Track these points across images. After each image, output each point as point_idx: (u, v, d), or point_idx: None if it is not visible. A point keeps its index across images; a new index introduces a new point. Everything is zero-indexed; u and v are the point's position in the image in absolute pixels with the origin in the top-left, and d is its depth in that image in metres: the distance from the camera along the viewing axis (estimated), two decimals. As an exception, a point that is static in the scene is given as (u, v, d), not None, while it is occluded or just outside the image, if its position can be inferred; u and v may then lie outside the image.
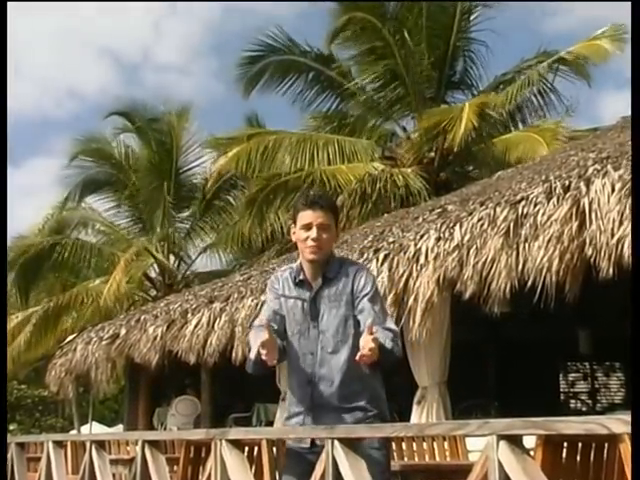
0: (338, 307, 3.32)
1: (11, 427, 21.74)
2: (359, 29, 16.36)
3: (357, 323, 3.31)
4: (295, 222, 3.42)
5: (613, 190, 5.65)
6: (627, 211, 5.31)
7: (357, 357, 3.07)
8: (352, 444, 3.06)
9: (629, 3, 3.62)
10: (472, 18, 16.64)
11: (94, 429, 15.06)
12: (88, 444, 5.83)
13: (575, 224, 5.81)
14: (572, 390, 14.35)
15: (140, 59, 55.56)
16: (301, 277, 3.40)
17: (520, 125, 16.68)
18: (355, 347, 3.23)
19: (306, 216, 3.36)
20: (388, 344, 3.15)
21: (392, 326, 3.31)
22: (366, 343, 3.03)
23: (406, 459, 6.45)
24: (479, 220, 6.76)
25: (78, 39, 54.66)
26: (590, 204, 5.77)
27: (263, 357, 3.15)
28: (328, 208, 3.41)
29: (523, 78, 16.28)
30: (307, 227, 3.35)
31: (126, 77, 54.01)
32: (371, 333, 3.05)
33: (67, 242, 19.27)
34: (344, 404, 3.27)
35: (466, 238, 6.70)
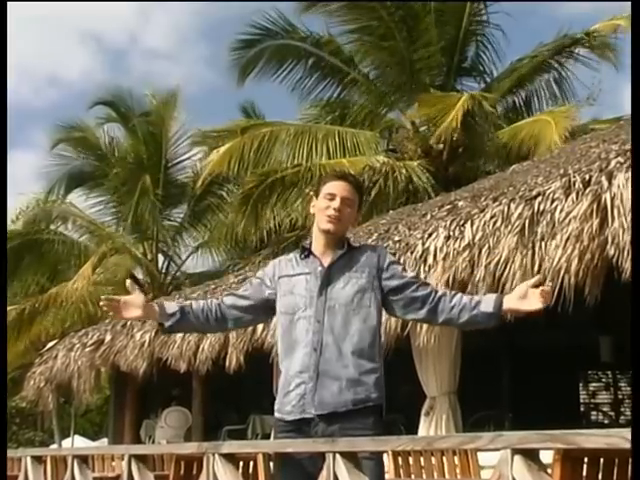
0: (359, 277, 3.38)
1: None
2: (347, 8, 16.39)
3: (377, 297, 3.38)
4: (317, 194, 3.52)
5: (637, 185, 5.65)
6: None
7: (533, 293, 3.31)
8: (355, 458, 3.06)
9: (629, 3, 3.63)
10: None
11: (76, 443, 15.05)
12: (70, 459, 5.83)
13: (596, 221, 5.81)
14: (593, 401, 14.35)
15: (126, 44, 55.56)
16: (308, 247, 3.48)
17: (535, 114, 16.67)
18: (367, 321, 3.33)
19: (333, 186, 3.48)
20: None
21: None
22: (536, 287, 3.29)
23: (413, 476, 6.44)
24: (492, 217, 6.76)
25: (59, 23, 54.65)
26: (612, 200, 5.76)
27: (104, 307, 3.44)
28: (356, 186, 3.55)
29: (540, 63, 16.25)
30: (331, 197, 3.44)
31: (111, 63, 54.00)
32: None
33: (48, 238, 19.24)
34: (348, 374, 3.29)
35: (478, 237, 6.70)
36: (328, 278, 3.38)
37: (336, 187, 3.46)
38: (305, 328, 3.35)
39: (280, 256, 3.67)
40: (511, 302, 3.33)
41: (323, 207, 3.44)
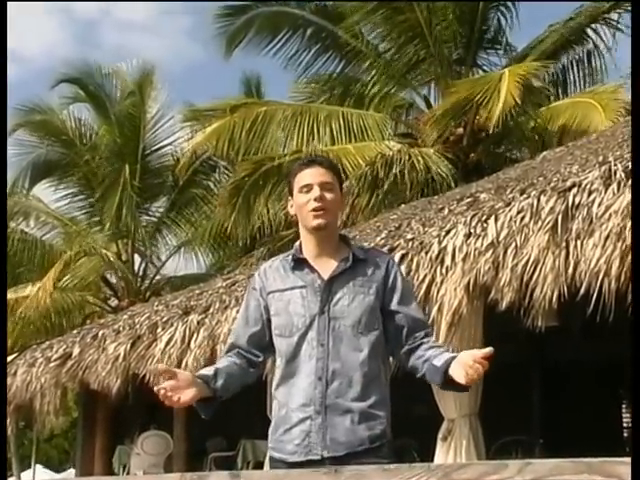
0: (366, 294, 3.34)
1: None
2: None
3: (383, 319, 3.37)
4: (292, 191, 3.46)
5: (687, 174, 5.65)
6: None
7: (463, 378, 3.11)
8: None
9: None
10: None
11: (38, 475, 15.07)
12: (32, 491, 5.84)
13: (640, 217, 5.81)
14: (637, 424, 14.33)
15: (97, 14, 55.68)
16: (300, 256, 3.40)
17: (570, 91, 16.66)
18: (376, 346, 3.31)
19: (304, 176, 3.42)
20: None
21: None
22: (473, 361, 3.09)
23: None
24: (519, 212, 6.76)
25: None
26: (659, 191, 5.76)
27: (160, 394, 3.29)
28: (329, 167, 3.50)
29: (574, 31, 16.21)
30: (307, 188, 3.39)
31: (79, 36, 54.11)
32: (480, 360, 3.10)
33: (7, 236, 19.24)
34: (360, 407, 3.28)
35: (503, 234, 6.71)
36: (329, 293, 3.34)
37: (309, 176, 3.41)
38: (307, 354, 3.31)
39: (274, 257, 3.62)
40: (453, 367, 3.20)
41: (303, 203, 3.38)
